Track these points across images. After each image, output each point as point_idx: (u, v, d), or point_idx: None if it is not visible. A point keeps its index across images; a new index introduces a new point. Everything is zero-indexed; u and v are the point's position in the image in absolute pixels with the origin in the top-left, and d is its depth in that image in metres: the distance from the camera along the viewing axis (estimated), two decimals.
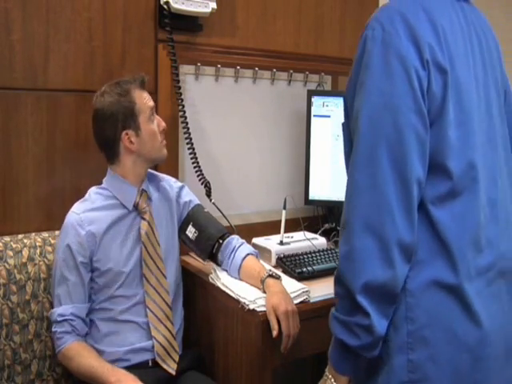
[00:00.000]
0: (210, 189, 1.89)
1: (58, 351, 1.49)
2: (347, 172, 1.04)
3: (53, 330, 1.50)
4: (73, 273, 1.50)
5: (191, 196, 1.74)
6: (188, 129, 1.87)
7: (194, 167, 1.89)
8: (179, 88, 1.87)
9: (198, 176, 1.90)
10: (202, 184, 1.89)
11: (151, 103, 1.60)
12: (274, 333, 1.41)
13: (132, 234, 1.57)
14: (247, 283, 1.60)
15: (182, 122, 1.88)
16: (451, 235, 0.98)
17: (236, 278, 1.63)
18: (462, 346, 0.98)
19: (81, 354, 1.46)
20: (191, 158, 1.89)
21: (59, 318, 1.48)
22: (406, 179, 0.95)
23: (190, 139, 1.87)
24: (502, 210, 1.05)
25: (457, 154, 0.98)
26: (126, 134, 1.54)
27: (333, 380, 1.06)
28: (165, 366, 1.53)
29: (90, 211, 1.54)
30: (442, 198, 0.98)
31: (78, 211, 1.54)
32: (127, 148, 1.55)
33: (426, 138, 0.97)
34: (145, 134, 1.56)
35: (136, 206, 1.58)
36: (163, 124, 1.62)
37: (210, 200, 1.88)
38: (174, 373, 1.54)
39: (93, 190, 1.60)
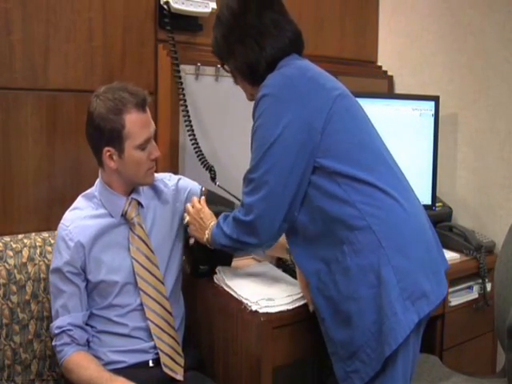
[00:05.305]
0: (215, 173, 1.89)
1: (61, 364, 1.48)
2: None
3: (53, 344, 1.49)
4: (67, 284, 1.48)
5: (190, 185, 1.69)
6: (190, 121, 1.87)
7: (196, 152, 1.88)
8: (181, 83, 1.87)
9: (200, 160, 1.89)
10: (206, 169, 1.89)
11: (147, 133, 1.46)
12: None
13: (122, 244, 1.52)
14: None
15: (186, 120, 1.88)
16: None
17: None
18: (413, 240, 1.31)
19: (80, 366, 1.43)
20: (192, 144, 1.88)
21: (57, 331, 1.47)
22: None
23: (191, 126, 1.87)
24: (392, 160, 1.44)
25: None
26: (108, 150, 1.45)
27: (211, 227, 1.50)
28: (173, 375, 1.50)
29: (79, 220, 1.50)
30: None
31: (67, 223, 1.50)
32: (107, 165, 1.48)
33: None
34: (128, 159, 1.46)
35: (124, 215, 1.53)
36: (157, 154, 1.51)
37: (215, 183, 1.88)
38: (182, 379, 1.51)
39: (83, 196, 1.56)
